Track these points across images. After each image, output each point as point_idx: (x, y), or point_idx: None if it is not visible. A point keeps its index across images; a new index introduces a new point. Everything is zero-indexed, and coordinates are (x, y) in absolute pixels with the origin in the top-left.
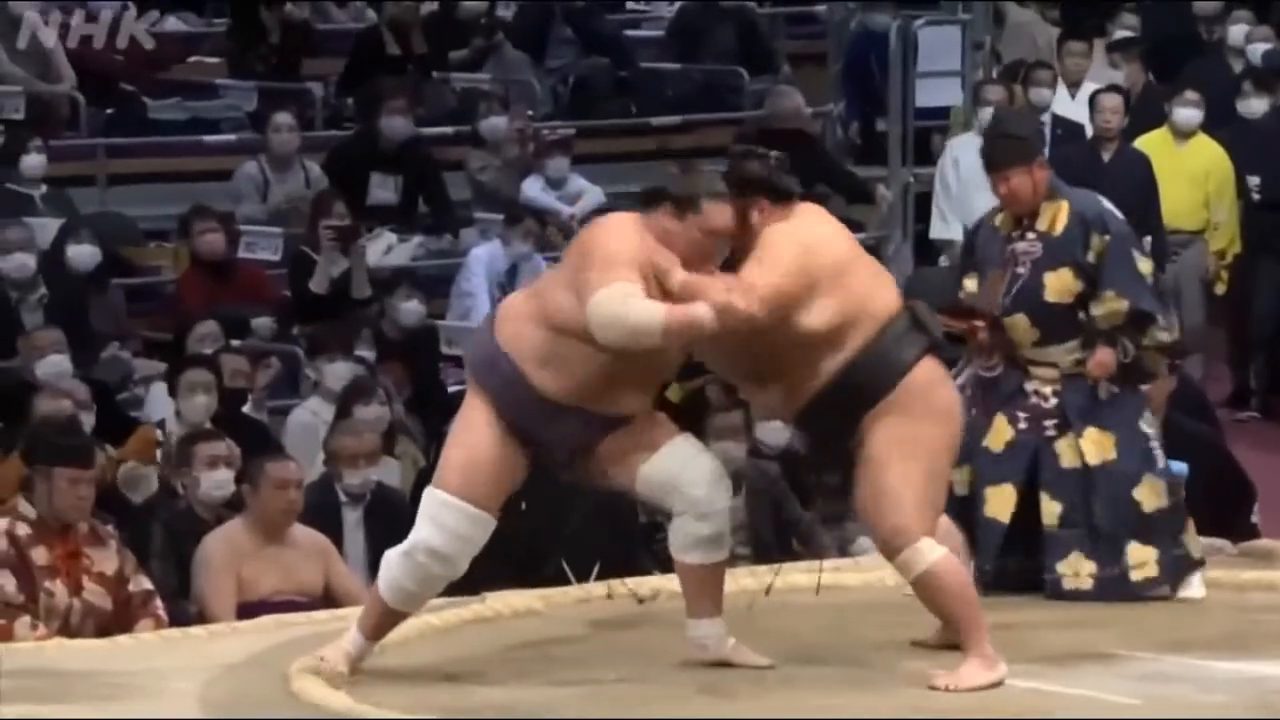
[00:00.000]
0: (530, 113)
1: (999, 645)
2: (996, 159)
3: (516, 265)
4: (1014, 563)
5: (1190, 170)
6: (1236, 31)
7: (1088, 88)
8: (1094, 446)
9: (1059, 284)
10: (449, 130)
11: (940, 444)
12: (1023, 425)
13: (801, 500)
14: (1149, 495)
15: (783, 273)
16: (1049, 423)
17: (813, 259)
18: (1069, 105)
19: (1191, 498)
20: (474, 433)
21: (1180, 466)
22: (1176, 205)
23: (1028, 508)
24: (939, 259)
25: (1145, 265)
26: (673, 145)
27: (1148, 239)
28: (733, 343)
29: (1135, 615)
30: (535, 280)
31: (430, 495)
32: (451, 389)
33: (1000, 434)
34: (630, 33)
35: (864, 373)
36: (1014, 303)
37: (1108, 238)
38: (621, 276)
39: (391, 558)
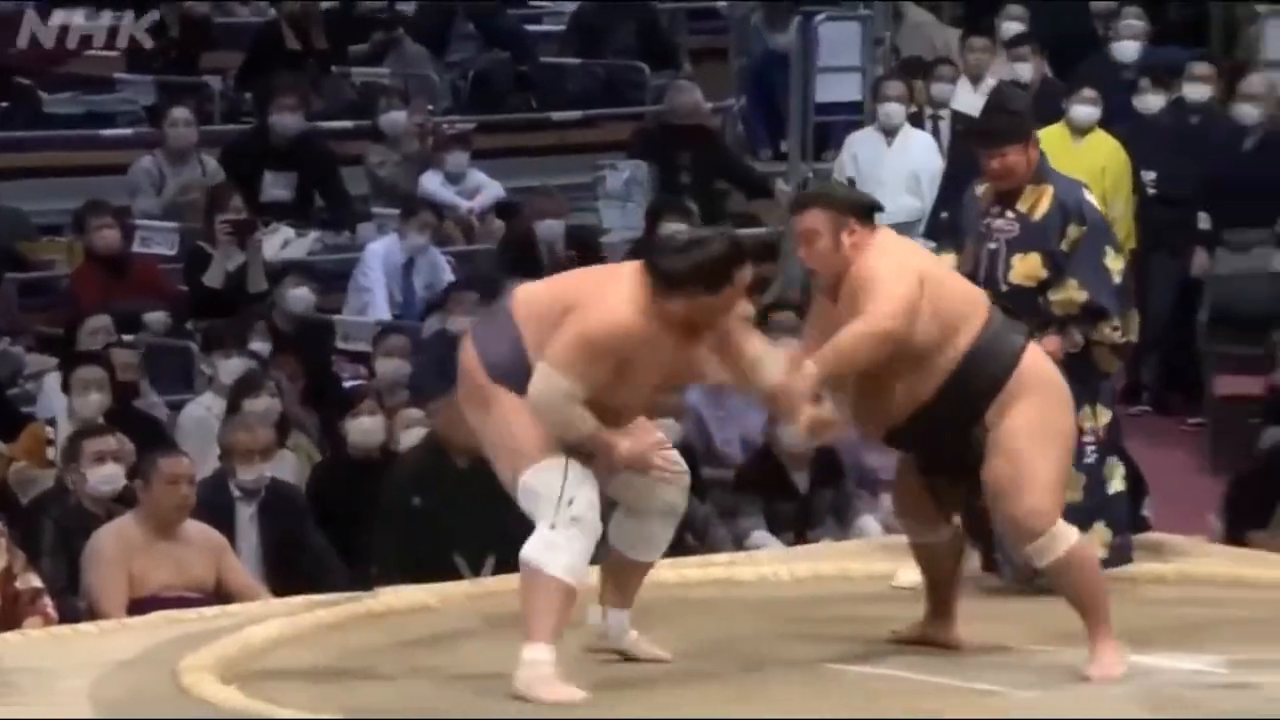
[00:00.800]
0: (430, 107)
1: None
2: (993, 134)
3: (413, 259)
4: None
5: (1087, 166)
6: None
7: (989, 83)
8: None
9: (1025, 268)
10: (348, 125)
11: (1069, 427)
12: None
13: (696, 495)
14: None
15: (899, 303)
16: None
17: (915, 280)
18: (971, 99)
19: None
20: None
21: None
22: None
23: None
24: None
25: (1114, 262)
26: (573, 140)
27: None
28: None
29: (1032, 609)
30: (557, 289)
31: (544, 467)
32: (347, 384)
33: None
34: (531, 28)
35: (978, 367)
36: (979, 280)
37: (1084, 229)
38: (562, 359)
39: (554, 540)
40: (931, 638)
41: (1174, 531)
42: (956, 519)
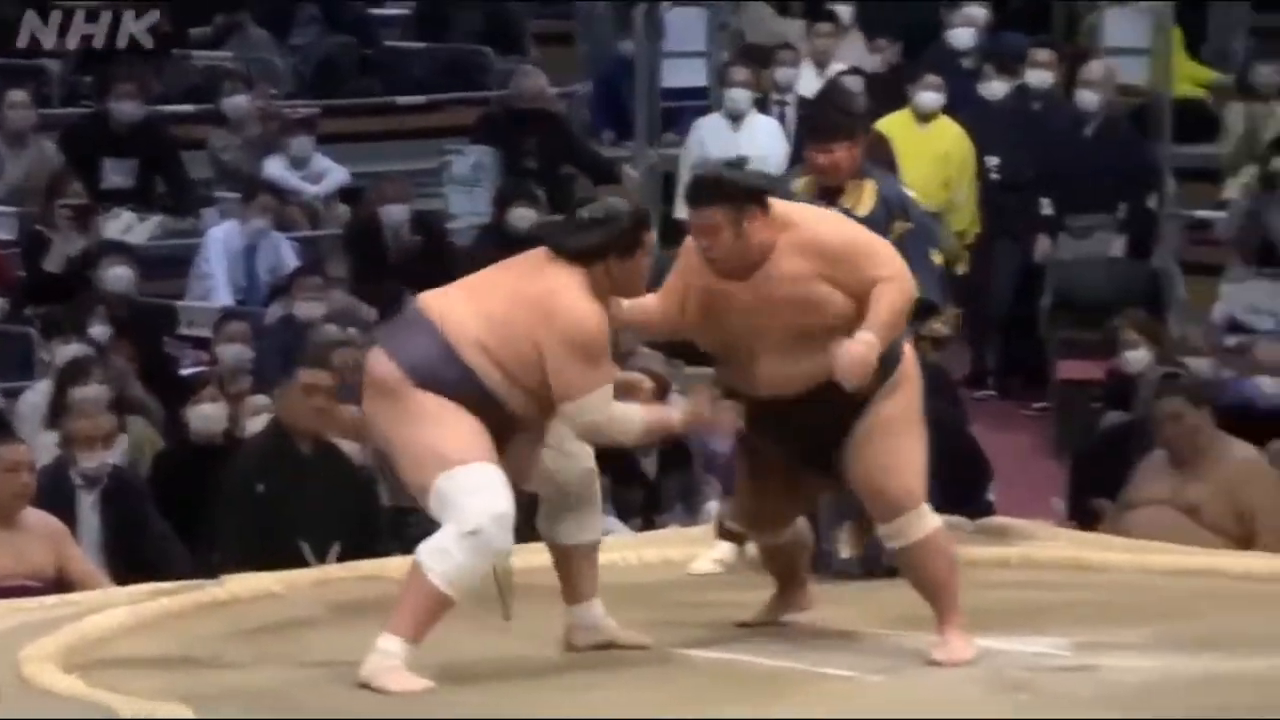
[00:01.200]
0: (273, 91)
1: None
2: (824, 129)
3: (255, 244)
4: None
5: (932, 152)
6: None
7: (836, 68)
8: None
9: None
10: (190, 108)
11: (920, 413)
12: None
13: None
14: None
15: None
16: None
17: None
18: (817, 85)
19: (929, 476)
20: (453, 413)
21: None
22: (918, 186)
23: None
24: (684, 239)
25: (938, 257)
26: (418, 125)
27: None
28: (767, 323)
29: (874, 593)
30: (469, 291)
31: (461, 474)
32: (189, 370)
33: None
34: (375, 11)
35: (884, 352)
36: None
37: (909, 224)
38: (599, 378)
39: (447, 547)
40: (784, 615)
41: (1018, 515)
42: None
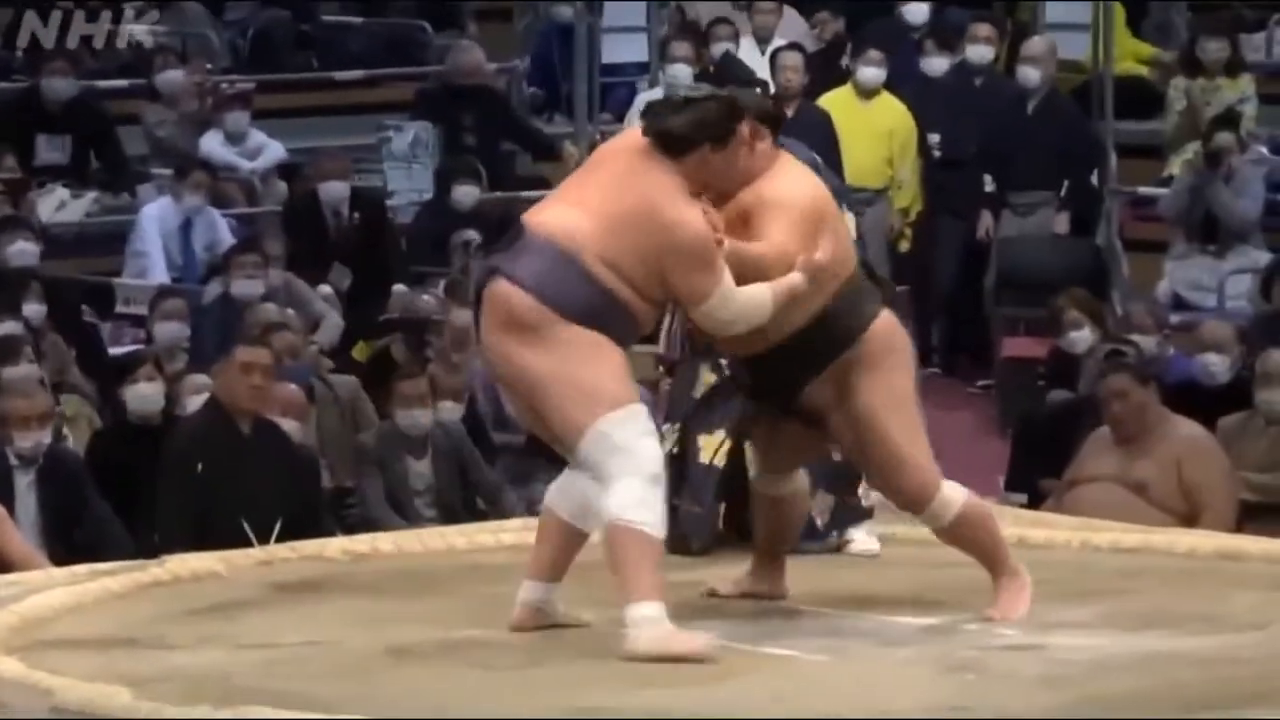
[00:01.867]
0: (209, 66)
1: (690, 603)
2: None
3: (190, 220)
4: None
5: (874, 128)
6: None
7: (778, 43)
8: None
9: None
10: (124, 84)
11: (912, 388)
12: (726, 371)
13: (488, 460)
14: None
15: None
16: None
17: (823, 204)
18: (759, 62)
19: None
20: (605, 348)
21: None
22: (861, 163)
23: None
24: None
25: (849, 219)
26: (356, 100)
27: None
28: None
29: (819, 572)
30: (573, 202)
31: (630, 417)
32: (126, 348)
33: (705, 382)
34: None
35: (835, 321)
36: None
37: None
38: (718, 278)
39: (644, 497)
40: (759, 591)
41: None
42: (803, 474)
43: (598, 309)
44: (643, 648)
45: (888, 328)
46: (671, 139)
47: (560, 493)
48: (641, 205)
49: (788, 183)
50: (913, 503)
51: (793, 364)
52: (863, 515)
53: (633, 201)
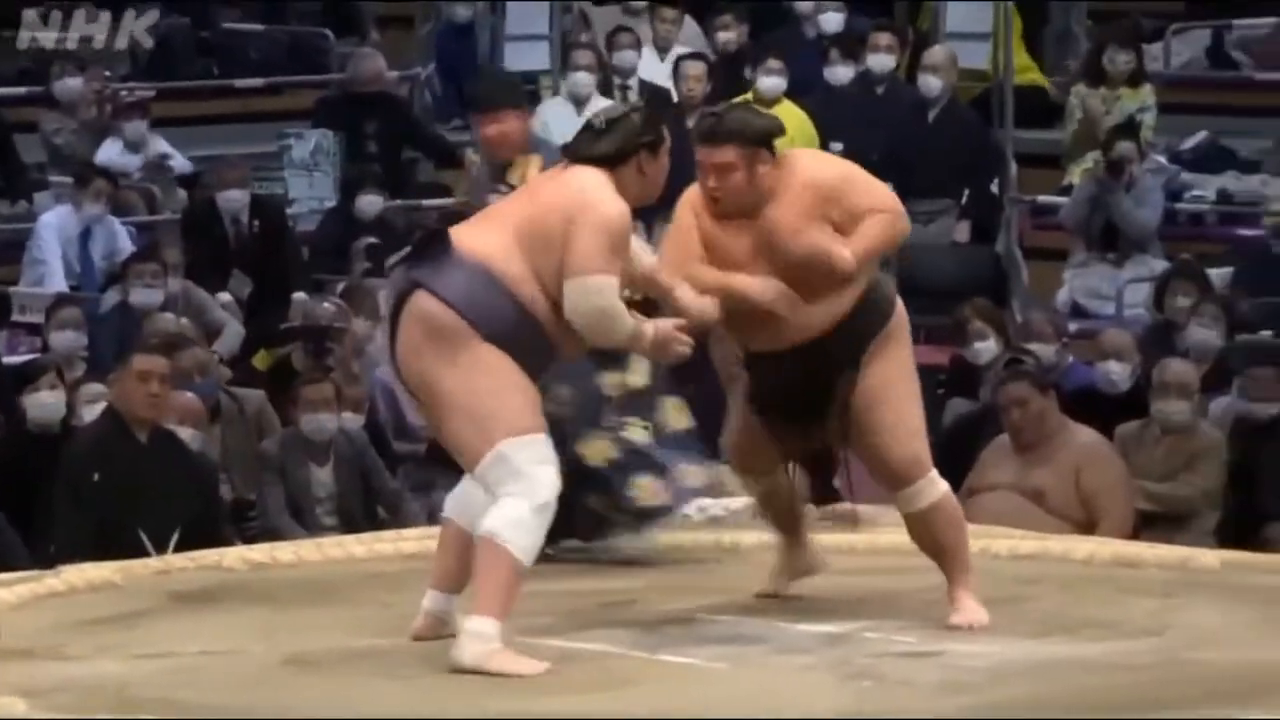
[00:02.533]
0: (107, 74)
1: (580, 613)
2: (490, 97)
3: (90, 228)
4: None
5: None
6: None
7: (679, 51)
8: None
9: None
10: (21, 91)
11: (914, 368)
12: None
13: (389, 469)
14: (593, 451)
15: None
16: None
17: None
18: (660, 69)
19: None
20: (514, 373)
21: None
22: None
23: None
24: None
25: None
26: (257, 108)
27: None
28: (766, 270)
29: (718, 579)
30: (497, 221)
31: (532, 443)
32: (21, 357)
33: (616, 384)
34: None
35: (871, 304)
36: None
37: None
38: (608, 264)
39: (524, 519)
40: (797, 574)
41: (863, 501)
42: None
43: (516, 330)
44: (467, 660)
45: (900, 305)
46: (608, 158)
47: (459, 502)
48: (564, 195)
49: (819, 159)
50: (899, 475)
51: (829, 361)
52: (661, 513)
53: (557, 197)
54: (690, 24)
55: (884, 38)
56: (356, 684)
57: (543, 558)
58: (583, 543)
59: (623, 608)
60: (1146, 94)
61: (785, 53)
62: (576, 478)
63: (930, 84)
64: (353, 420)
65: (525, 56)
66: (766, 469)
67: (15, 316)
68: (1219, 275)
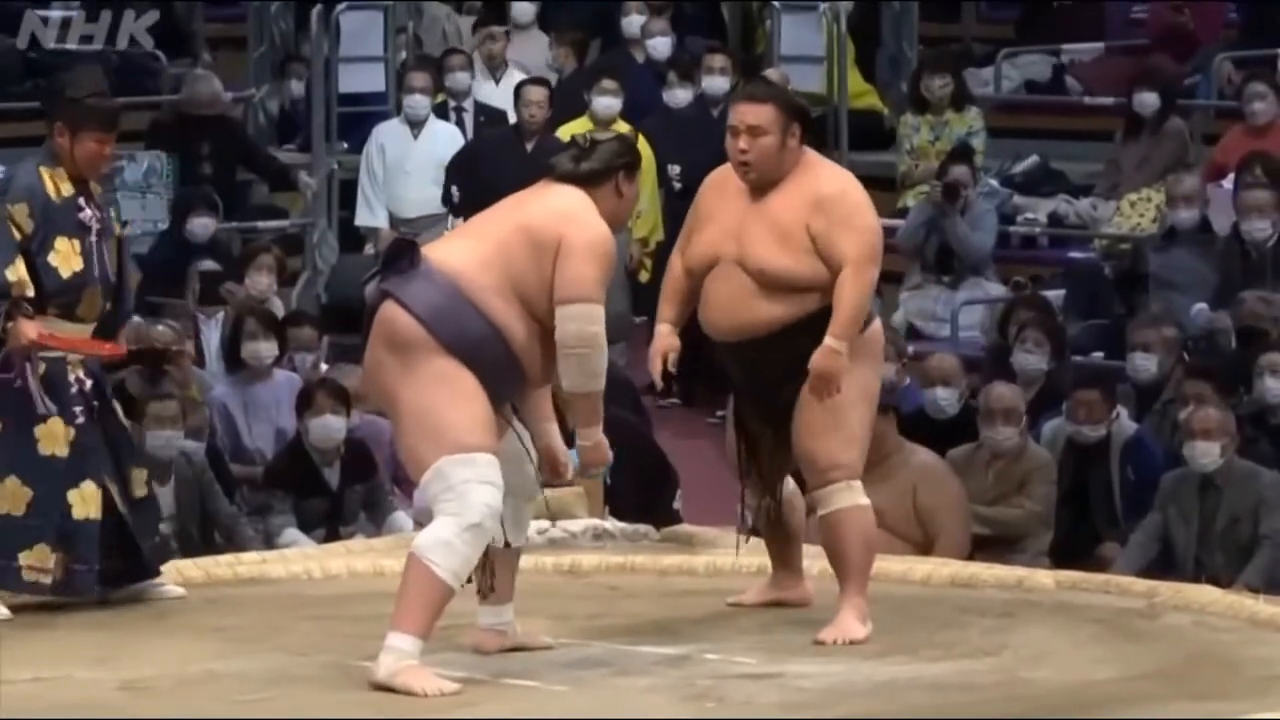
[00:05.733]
0: None
1: (372, 640)
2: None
3: None
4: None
5: None
6: (630, 23)
7: (509, 72)
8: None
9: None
10: None
11: (874, 389)
12: (79, 419)
13: (226, 493)
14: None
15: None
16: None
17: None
18: (491, 91)
19: (618, 484)
20: (469, 389)
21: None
22: None
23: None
24: (365, 247)
25: None
26: None
27: None
28: (751, 250)
29: (559, 603)
30: (475, 236)
31: (470, 462)
32: None
33: (55, 435)
34: (40, 12)
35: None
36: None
37: None
38: (598, 290)
39: (450, 540)
40: (782, 599)
41: (704, 524)
42: (790, 482)
43: (481, 346)
44: (381, 674)
45: (877, 329)
46: (592, 175)
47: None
48: (547, 210)
49: (837, 177)
50: (822, 471)
51: (795, 362)
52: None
53: (543, 214)
54: (535, 38)
55: (718, 59)
56: (193, 708)
57: None
58: None
59: (464, 630)
60: (974, 118)
61: (620, 74)
62: None
63: None
64: (194, 447)
65: (360, 78)
66: (766, 482)
67: None
68: (1051, 298)
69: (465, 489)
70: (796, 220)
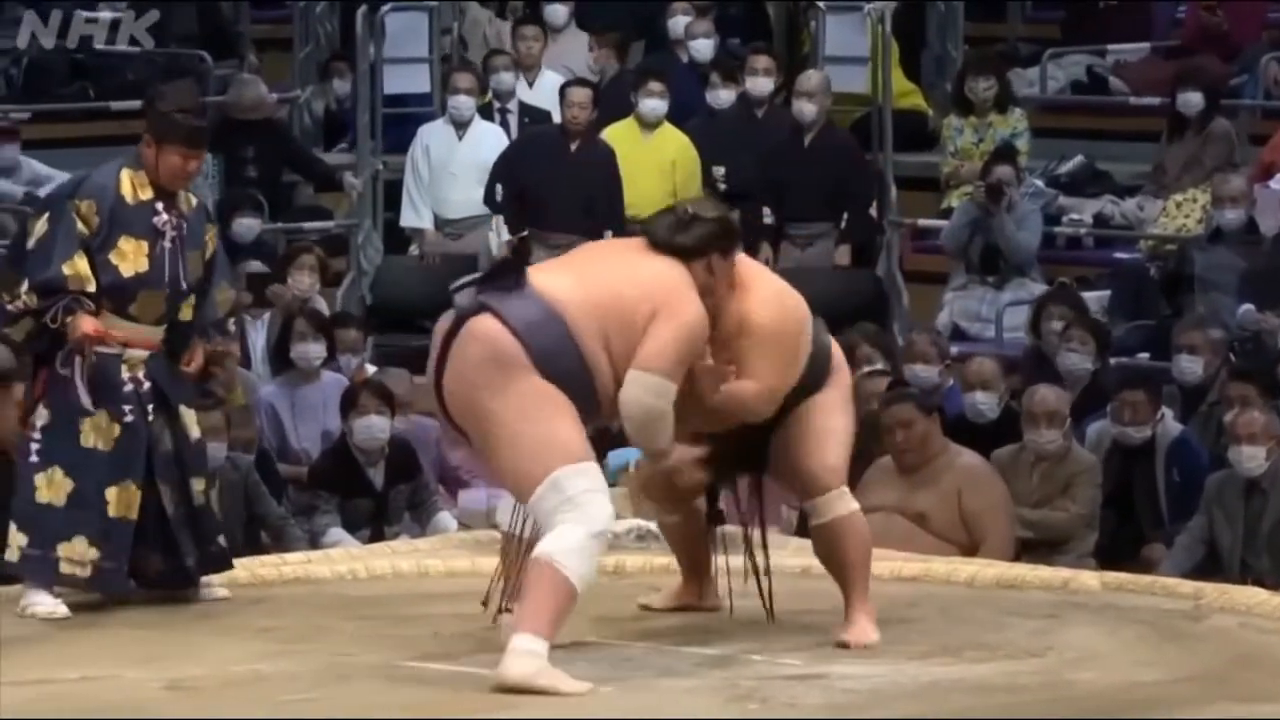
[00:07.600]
0: None
1: (466, 636)
2: (204, 137)
3: None
4: (156, 560)
5: (657, 161)
6: (675, 25)
7: (545, 73)
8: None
9: (196, 263)
10: None
11: (850, 401)
12: (128, 417)
13: (274, 494)
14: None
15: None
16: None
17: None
18: (525, 91)
19: None
20: (567, 406)
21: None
22: (645, 195)
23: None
24: (409, 248)
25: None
26: (134, 130)
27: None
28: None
29: (604, 604)
30: (577, 275)
31: (587, 472)
32: None
33: (98, 429)
34: (87, 13)
35: (815, 365)
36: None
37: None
38: (674, 365)
39: (583, 546)
40: (692, 604)
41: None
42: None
43: (570, 377)
44: (512, 677)
45: (840, 356)
46: (685, 250)
47: (508, 514)
48: (652, 284)
49: (769, 309)
50: (813, 483)
51: (776, 415)
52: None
53: (645, 281)
54: (576, 39)
55: (762, 60)
56: (237, 709)
57: None
58: None
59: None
60: (1017, 119)
61: (666, 76)
62: None
63: (804, 109)
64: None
65: (405, 79)
66: (678, 499)
67: None
68: (1096, 298)
69: (585, 499)
70: (727, 353)
